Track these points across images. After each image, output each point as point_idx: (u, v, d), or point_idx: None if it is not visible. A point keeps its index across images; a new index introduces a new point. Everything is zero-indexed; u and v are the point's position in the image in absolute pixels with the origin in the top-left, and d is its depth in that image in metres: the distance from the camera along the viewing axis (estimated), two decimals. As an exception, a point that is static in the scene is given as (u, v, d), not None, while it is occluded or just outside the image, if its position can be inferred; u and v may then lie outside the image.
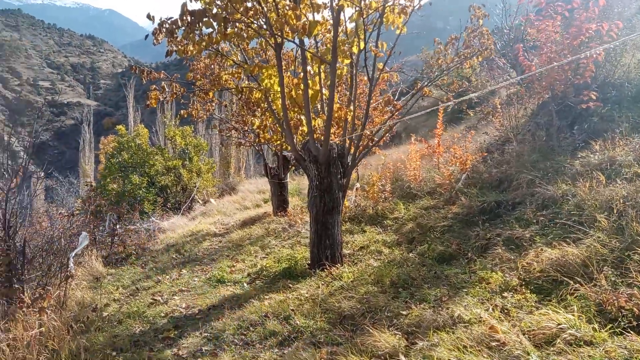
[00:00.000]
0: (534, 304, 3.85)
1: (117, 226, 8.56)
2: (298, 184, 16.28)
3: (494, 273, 4.59)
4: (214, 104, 11.19)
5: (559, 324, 3.29)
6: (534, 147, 8.12)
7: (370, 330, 3.65)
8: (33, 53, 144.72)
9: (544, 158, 7.54)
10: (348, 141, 6.07)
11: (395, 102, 5.94)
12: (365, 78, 5.95)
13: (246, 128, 11.03)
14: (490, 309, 3.82)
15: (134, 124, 30.34)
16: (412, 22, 6.32)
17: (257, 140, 9.54)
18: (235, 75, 6.46)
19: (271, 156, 11.81)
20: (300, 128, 6.20)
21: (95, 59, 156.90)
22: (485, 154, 8.53)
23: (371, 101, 5.77)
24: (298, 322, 4.12)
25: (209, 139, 27.12)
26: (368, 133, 6.10)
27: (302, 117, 6.07)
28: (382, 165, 11.11)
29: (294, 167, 12.12)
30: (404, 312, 3.98)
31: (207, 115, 11.21)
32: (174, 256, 8.31)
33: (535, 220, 5.76)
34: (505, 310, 3.77)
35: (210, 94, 6.81)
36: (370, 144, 6.14)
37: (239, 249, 8.15)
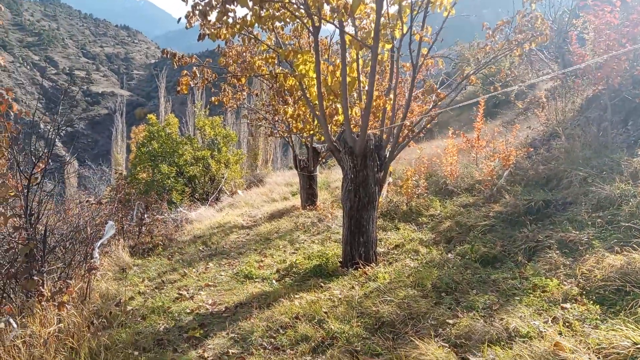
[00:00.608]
0: (598, 317, 3.41)
1: (145, 216, 8.42)
2: (326, 177, 15.95)
3: (549, 280, 4.14)
4: (244, 93, 10.97)
5: (635, 343, 2.85)
6: (584, 143, 7.53)
7: (414, 341, 3.28)
8: (70, 42, 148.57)
9: (596, 155, 6.96)
10: (386, 132, 5.68)
11: (438, 90, 5.51)
12: (408, 64, 5.53)
13: (277, 118, 10.75)
14: (550, 322, 3.39)
15: (165, 113, 30.61)
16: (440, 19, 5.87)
17: (288, 130, 9.23)
18: (269, 61, 6.14)
19: (298, 149, 11.57)
20: (336, 117, 5.84)
21: (129, 50, 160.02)
22: (531, 149, 7.97)
23: (413, 89, 5.34)
24: (332, 327, 3.78)
25: (238, 130, 27.09)
26: (408, 124, 5.69)
27: (338, 106, 5.71)
28: (416, 160, 10.64)
29: (323, 160, 11.77)
30: (450, 321, 3.59)
31: (237, 104, 11.00)
32: (200, 248, 8.11)
33: (590, 222, 5.26)
34: (567, 324, 3.33)
35: (243, 79, 6.52)
36: (410, 136, 5.73)
37: (267, 243, 7.88)
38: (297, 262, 6.03)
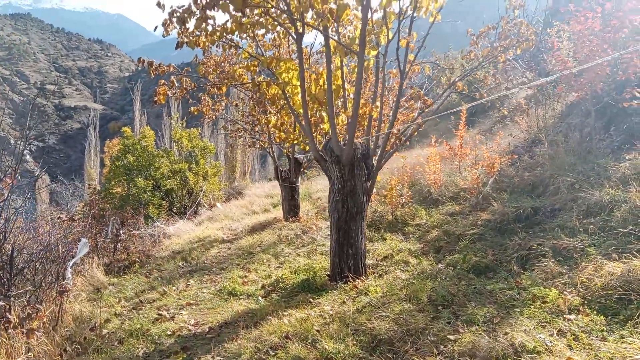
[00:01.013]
0: (604, 328, 3.27)
1: (121, 232, 8.03)
2: (307, 187, 15.74)
3: (548, 290, 4.01)
4: (222, 103, 10.73)
5: (648, 356, 2.72)
6: (568, 149, 7.54)
7: (415, 360, 3.08)
8: (41, 57, 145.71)
9: (581, 160, 6.96)
10: (372, 141, 5.52)
11: (425, 97, 5.39)
12: (395, 70, 5.41)
13: (257, 129, 10.51)
14: (555, 334, 3.24)
15: (140, 126, 30.01)
16: (422, 26, 5.81)
17: (270, 141, 9.01)
18: (251, 69, 5.94)
19: (278, 159, 11.38)
20: (321, 126, 5.66)
21: (102, 63, 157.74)
22: (515, 156, 7.95)
23: (400, 96, 5.21)
24: (326, 346, 3.55)
25: (215, 142, 26.70)
26: (395, 132, 5.55)
27: (324, 114, 5.53)
28: (399, 169, 10.54)
29: (304, 170, 11.57)
30: (452, 337, 3.40)
31: (215, 115, 10.74)
32: (180, 264, 7.76)
33: (582, 229, 5.18)
34: (574, 336, 3.19)
35: (224, 88, 6.28)
36: (398, 144, 5.59)
37: (250, 257, 7.59)
38: (284, 276, 5.78)
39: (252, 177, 28.45)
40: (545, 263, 4.60)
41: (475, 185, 7.60)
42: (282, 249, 7.76)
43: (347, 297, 4.78)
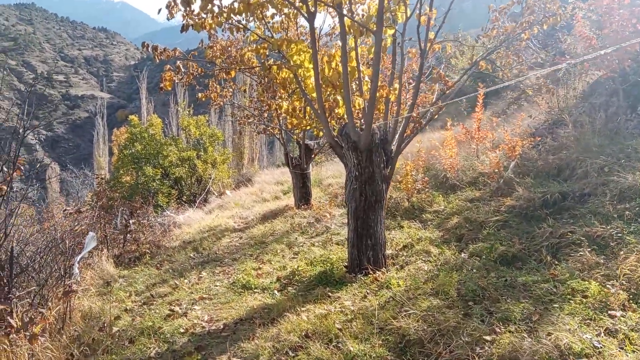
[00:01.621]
0: (656, 327, 3.00)
1: (130, 222, 7.83)
2: (317, 174, 15.42)
3: (587, 282, 3.72)
4: (230, 89, 10.43)
5: None
6: (593, 131, 7.16)
7: (451, 364, 2.83)
8: (47, 46, 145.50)
9: (609, 142, 6.60)
10: (391, 125, 5.21)
11: (446, 78, 5.06)
12: (414, 50, 5.07)
13: (265, 115, 10.21)
14: (602, 334, 2.96)
15: (147, 114, 29.82)
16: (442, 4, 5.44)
17: (281, 127, 8.71)
18: (260, 52, 5.62)
19: (283, 146, 11.07)
20: (336, 110, 5.35)
21: (108, 52, 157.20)
22: (539, 138, 7.58)
23: (421, 77, 4.88)
24: (351, 347, 3.30)
25: (222, 129, 26.45)
26: (415, 115, 5.23)
27: (338, 98, 5.22)
28: (413, 154, 10.20)
29: (315, 156, 11.28)
30: (488, 337, 3.14)
31: (223, 102, 10.44)
32: (191, 255, 7.56)
33: (617, 215, 4.87)
34: (624, 336, 2.91)
35: (232, 73, 5.98)
36: (418, 128, 5.28)
37: (263, 247, 7.37)
38: (299, 268, 5.54)
39: (261, 163, 28.24)
40: (581, 252, 4.30)
41: (496, 170, 7.27)
42: (296, 238, 7.53)
43: (368, 291, 4.53)
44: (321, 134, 6.30)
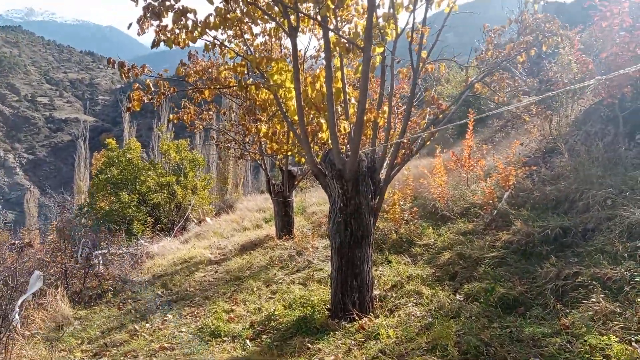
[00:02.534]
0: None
1: (93, 255, 7.14)
2: (302, 201, 14.84)
3: (604, 337, 3.20)
4: (211, 112, 9.94)
5: None
6: (591, 160, 6.78)
7: None
8: (32, 69, 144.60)
9: (610, 173, 6.20)
10: (380, 152, 4.73)
11: (439, 101, 4.63)
12: (405, 69, 4.63)
13: (247, 139, 9.70)
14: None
15: (130, 138, 29.16)
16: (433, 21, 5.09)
17: (261, 152, 8.19)
18: (238, 70, 5.14)
19: (270, 172, 10.48)
20: (319, 135, 4.85)
21: (94, 75, 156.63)
22: (534, 167, 7.17)
23: (413, 99, 4.42)
24: None
25: (207, 154, 25.89)
26: (405, 141, 4.76)
27: (322, 121, 4.73)
28: (400, 181, 9.73)
29: (299, 183, 10.74)
30: (500, 414, 2.57)
31: (203, 125, 9.93)
32: (159, 292, 6.88)
33: (626, 254, 4.39)
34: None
35: (206, 92, 5.47)
36: (408, 155, 4.80)
37: (239, 284, 6.73)
38: (276, 313, 4.91)
39: (245, 188, 27.63)
40: (593, 299, 3.79)
41: (490, 201, 6.81)
42: (275, 273, 6.91)
43: (353, 343, 3.93)
44: (303, 160, 5.80)
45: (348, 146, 4.90)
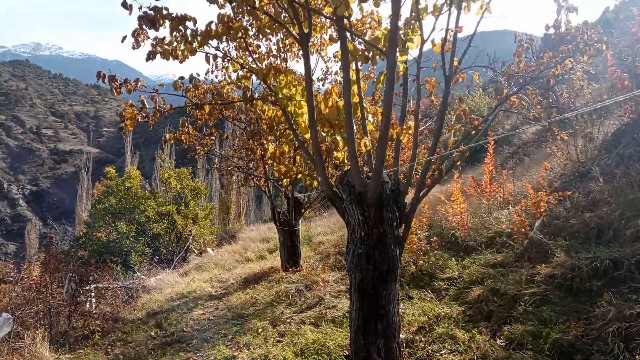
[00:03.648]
0: None
1: (81, 291, 6.45)
2: (307, 230, 14.12)
3: None
4: (213, 137, 9.43)
5: None
6: (630, 184, 6.15)
7: None
8: (38, 102, 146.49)
9: (656, 197, 5.56)
10: (402, 173, 4.12)
11: (472, 116, 4.05)
12: (433, 80, 4.06)
13: (252, 164, 9.12)
14: None
15: (130, 167, 28.81)
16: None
17: (266, 176, 7.59)
18: (242, 82, 4.60)
19: (269, 200, 9.83)
20: (335, 154, 4.26)
21: (99, 108, 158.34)
22: (569, 192, 6.53)
23: (445, 111, 3.83)
24: None
25: (209, 183, 25.37)
26: (434, 160, 4.14)
27: (338, 138, 4.15)
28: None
29: (305, 211, 10.08)
30: None
31: (204, 151, 9.39)
32: (152, 333, 6.15)
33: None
34: None
35: (207, 108, 4.91)
36: (438, 176, 4.18)
37: (241, 324, 6.01)
38: (286, 362, 4.19)
39: (247, 218, 27.01)
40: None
41: (522, 229, 6.14)
42: (282, 311, 6.18)
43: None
44: (315, 183, 5.20)
45: (367, 167, 4.29)
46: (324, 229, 13.52)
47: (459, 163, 4.39)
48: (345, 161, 4.60)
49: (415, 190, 4.07)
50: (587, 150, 8.20)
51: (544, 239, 5.92)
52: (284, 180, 9.10)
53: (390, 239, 3.87)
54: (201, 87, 7.13)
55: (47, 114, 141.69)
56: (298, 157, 4.96)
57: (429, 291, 6.00)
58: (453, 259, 6.81)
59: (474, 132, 4.18)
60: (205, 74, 7.68)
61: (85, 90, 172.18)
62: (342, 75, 4.28)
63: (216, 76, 7.65)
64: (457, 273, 6.31)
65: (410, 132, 4.02)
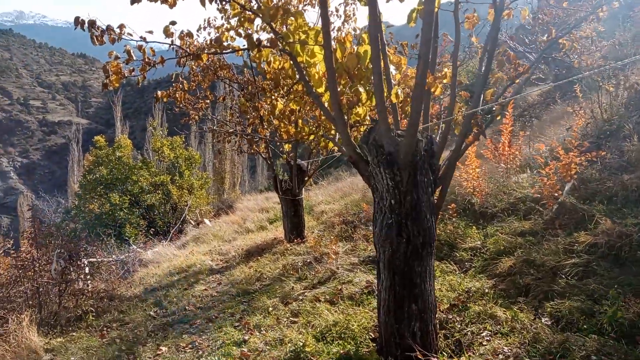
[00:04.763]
0: None
1: (72, 269, 5.90)
2: (307, 199, 13.57)
3: None
4: (208, 100, 8.74)
5: None
6: (669, 143, 5.61)
7: None
8: (24, 72, 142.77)
9: None
10: (441, 130, 3.52)
11: (518, 61, 3.43)
12: (475, 15, 3.41)
13: (249, 129, 8.44)
14: None
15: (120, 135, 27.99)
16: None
17: (272, 139, 6.96)
18: (245, 26, 3.92)
19: (270, 167, 9.13)
20: (357, 109, 3.64)
21: (86, 77, 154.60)
22: (602, 152, 5.96)
23: (494, 52, 3.20)
24: None
25: (202, 152, 24.66)
26: (476, 115, 3.53)
27: (361, 90, 3.52)
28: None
29: (309, 179, 9.50)
30: None
31: (199, 115, 8.71)
32: (152, 312, 5.65)
33: None
34: None
35: (204, 57, 4.24)
36: (479, 131, 3.58)
37: (249, 301, 5.52)
38: (306, 348, 3.67)
39: (242, 188, 26.52)
40: None
41: (553, 194, 5.61)
42: (292, 287, 5.68)
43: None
44: (331, 145, 4.58)
45: (394, 122, 3.68)
46: (325, 198, 12.99)
47: (498, 118, 3.78)
48: (368, 117, 3.98)
49: (453, 150, 3.48)
50: (613, 107, 7.61)
51: (578, 204, 5.40)
52: (286, 146, 8.49)
53: (425, 207, 3.31)
54: (193, 44, 6.41)
55: (34, 85, 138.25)
56: (317, 114, 4.32)
57: (451, 263, 5.52)
58: (473, 227, 6.31)
59: (518, 80, 3.55)
60: (197, 31, 6.92)
61: (72, 59, 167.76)
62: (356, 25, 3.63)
63: (209, 33, 6.92)
64: (479, 242, 5.81)
65: (445, 80, 3.39)
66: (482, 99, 3.32)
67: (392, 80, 3.90)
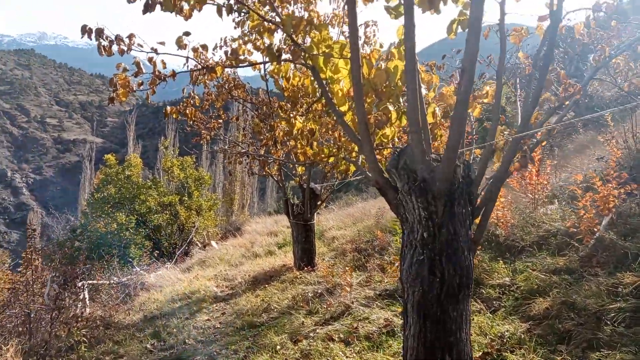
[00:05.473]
0: None
1: (66, 294, 5.51)
2: (318, 224, 13.09)
3: None
4: (220, 120, 8.48)
5: None
6: None
7: None
8: (43, 91, 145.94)
9: None
10: (482, 155, 3.12)
11: (569, 80, 3.05)
12: (524, 28, 3.05)
13: (262, 151, 8.11)
14: None
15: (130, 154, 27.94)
16: None
17: (287, 161, 6.60)
18: (265, 35, 3.61)
19: (282, 191, 8.71)
20: (385, 131, 3.26)
21: (104, 97, 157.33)
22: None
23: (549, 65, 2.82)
24: None
25: (213, 173, 24.45)
26: (524, 140, 3.13)
27: (391, 108, 3.14)
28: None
29: (322, 204, 9.08)
30: None
31: (210, 135, 8.44)
32: (149, 345, 5.20)
33: None
34: None
35: (219, 71, 3.91)
36: (525, 158, 3.17)
37: (254, 335, 5.06)
38: (319, 400, 3.21)
39: (251, 210, 26.16)
40: None
41: (592, 228, 5.13)
42: (302, 322, 5.21)
43: None
44: (352, 169, 4.20)
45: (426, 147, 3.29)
46: (337, 223, 12.56)
47: (544, 144, 3.38)
48: (397, 139, 3.60)
49: (493, 177, 3.07)
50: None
51: (619, 240, 4.92)
52: (299, 169, 8.13)
53: (462, 242, 2.88)
54: (209, 62, 6.15)
55: (51, 103, 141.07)
56: (337, 135, 3.94)
57: (477, 301, 5.03)
58: (500, 261, 5.83)
59: (567, 102, 3.16)
60: (214, 49, 6.69)
61: (90, 80, 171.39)
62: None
63: (225, 52, 6.69)
64: (508, 279, 5.32)
65: (486, 100, 3.00)
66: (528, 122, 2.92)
67: (426, 97, 3.53)
